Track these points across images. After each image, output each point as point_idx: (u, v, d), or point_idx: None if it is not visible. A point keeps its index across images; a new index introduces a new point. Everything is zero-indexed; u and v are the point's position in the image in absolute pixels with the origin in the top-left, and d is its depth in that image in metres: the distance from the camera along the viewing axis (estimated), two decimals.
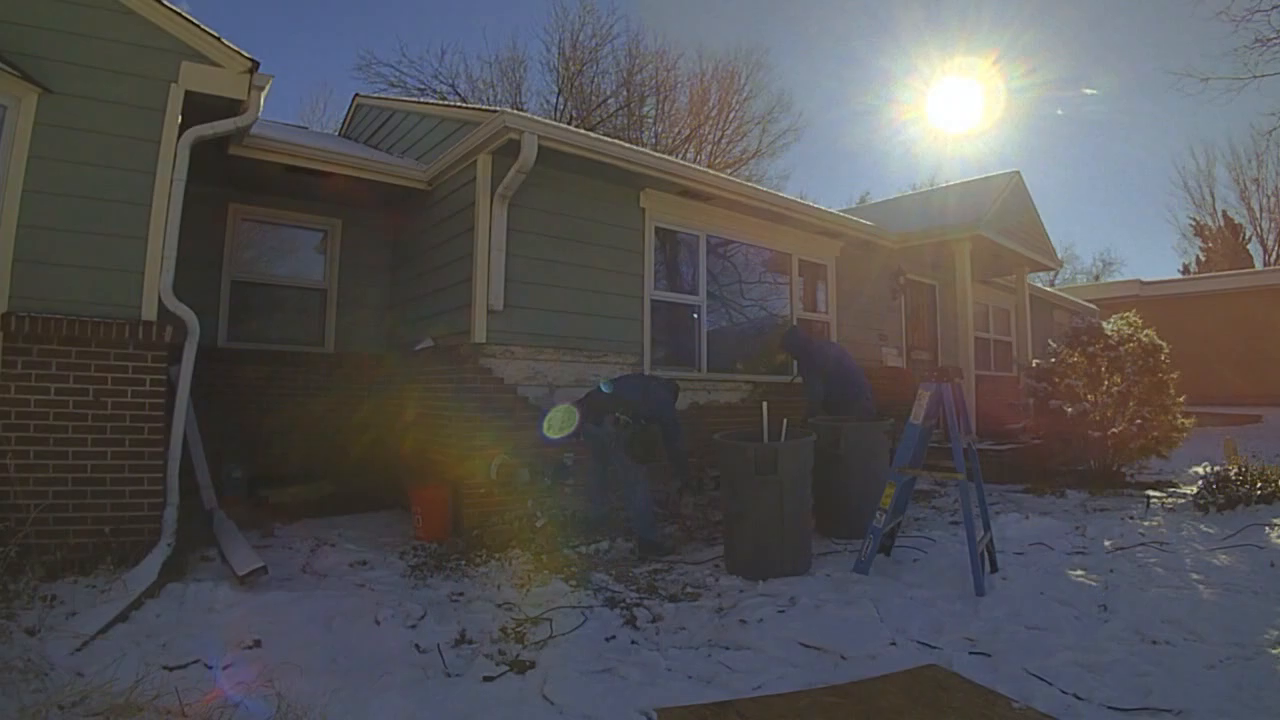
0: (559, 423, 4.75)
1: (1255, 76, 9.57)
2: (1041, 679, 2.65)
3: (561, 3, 31.55)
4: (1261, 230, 27.47)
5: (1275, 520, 4.79)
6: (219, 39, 4.19)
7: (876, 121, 33.54)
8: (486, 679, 2.65)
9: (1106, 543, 4.62)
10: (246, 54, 4.26)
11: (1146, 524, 5.11)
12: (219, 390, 5.67)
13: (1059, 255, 12.33)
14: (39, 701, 2.19)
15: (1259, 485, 5.28)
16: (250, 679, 2.53)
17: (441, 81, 20.76)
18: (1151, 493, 6.25)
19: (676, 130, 22.41)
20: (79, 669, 2.53)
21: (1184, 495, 6.09)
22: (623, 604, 3.55)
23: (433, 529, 4.83)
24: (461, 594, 3.71)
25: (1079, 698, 2.50)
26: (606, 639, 3.11)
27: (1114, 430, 6.51)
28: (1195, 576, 3.89)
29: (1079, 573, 4.01)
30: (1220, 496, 5.31)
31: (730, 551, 4.21)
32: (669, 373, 6.26)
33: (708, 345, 6.68)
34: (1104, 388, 6.52)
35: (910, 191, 21.81)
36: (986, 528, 4.08)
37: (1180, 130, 43.61)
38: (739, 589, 3.80)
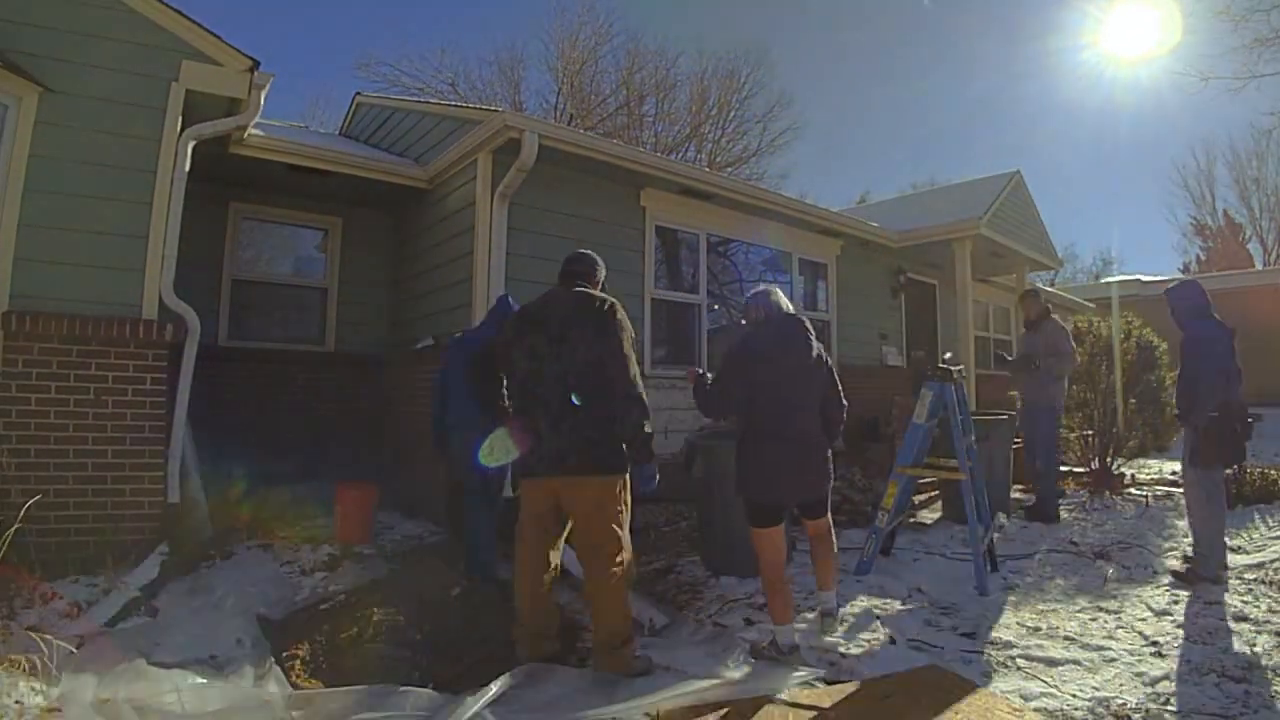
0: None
1: (1255, 76, 9.58)
2: (1042, 679, 2.66)
3: (561, 2, 31.59)
4: (1261, 230, 27.52)
5: (1273, 518, 4.80)
6: (219, 38, 4.19)
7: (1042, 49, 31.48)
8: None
9: (1108, 542, 4.63)
10: (247, 53, 4.26)
11: (1147, 523, 5.12)
12: (220, 389, 5.67)
13: (1059, 254, 12.32)
14: (39, 700, 2.19)
15: (1258, 484, 5.29)
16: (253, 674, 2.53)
17: (441, 80, 20.79)
18: (1151, 491, 6.26)
19: (677, 129, 22.40)
20: (80, 667, 2.53)
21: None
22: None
23: (349, 531, 4.57)
24: None
25: (1079, 698, 2.50)
26: None
27: (1114, 429, 6.51)
28: None
29: (1080, 573, 4.01)
30: None
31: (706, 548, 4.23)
32: (669, 372, 6.27)
33: (708, 344, 6.68)
34: (1103, 386, 6.52)
35: (910, 191, 21.81)
36: (987, 527, 4.08)
37: (1180, 129, 43.59)
38: (737, 588, 3.79)
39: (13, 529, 2.60)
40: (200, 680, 2.42)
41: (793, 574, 3.98)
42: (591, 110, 21.25)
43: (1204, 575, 3.73)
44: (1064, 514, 5.52)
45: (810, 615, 3.34)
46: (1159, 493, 6.21)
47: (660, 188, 6.21)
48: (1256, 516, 4.93)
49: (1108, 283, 18.87)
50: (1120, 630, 3.13)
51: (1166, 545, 4.56)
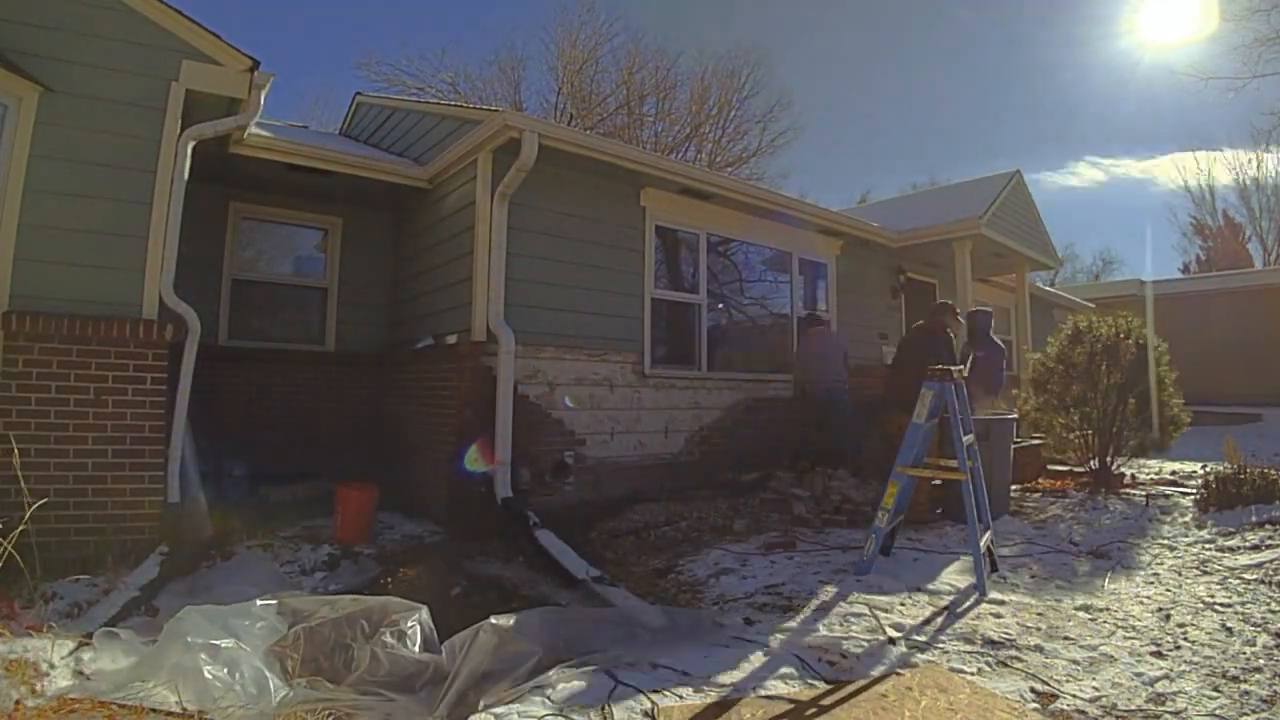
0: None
1: (1255, 76, 9.58)
2: (1041, 679, 2.66)
3: (561, 1, 31.61)
4: (1261, 230, 27.47)
5: (1273, 517, 4.80)
6: (219, 38, 4.20)
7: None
8: None
9: (1108, 542, 4.63)
10: (247, 53, 4.26)
11: (1147, 523, 5.12)
12: (220, 388, 5.68)
13: (1059, 254, 12.31)
14: (38, 701, 2.19)
15: (1258, 484, 5.28)
16: None
17: (441, 80, 20.77)
18: (1151, 491, 6.26)
19: (677, 129, 22.35)
20: (79, 668, 2.53)
21: (1184, 493, 6.10)
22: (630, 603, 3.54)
23: (349, 531, 4.59)
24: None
25: (1078, 698, 2.51)
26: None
27: (1114, 428, 6.51)
28: (1197, 574, 3.90)
29: (1080, 573, 4.01)
30: (1220, 495, 5.33)
31: None
32: (669, 372, 6.28)
33: (708, 344, 6.68)
34: (1103, 386, 6.51)
35: (911, 191, 21.81)
36: (987, 527, 4.08)
37: (1181, 128, 43.58)
38: (737, 588, 3.79)
39: (18, 530, 2.59)
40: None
41: (794, 573, 3.99)
42: (591, 110, 21.23)
43: None
44: (1064, 513, 5.53)
45: (806, 613, 3.34)
46: (1153, 492, 6.21)
47: (660, 187, 6.22)
48: (1255, 516, 4.93)
49: (1129, 281, 18.88)
50: (1120, 630, 3.13)
51: (1160, 544, 4.56)
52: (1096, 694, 2.53)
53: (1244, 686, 2.55)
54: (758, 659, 2.86)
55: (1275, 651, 2.84)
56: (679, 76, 22.38)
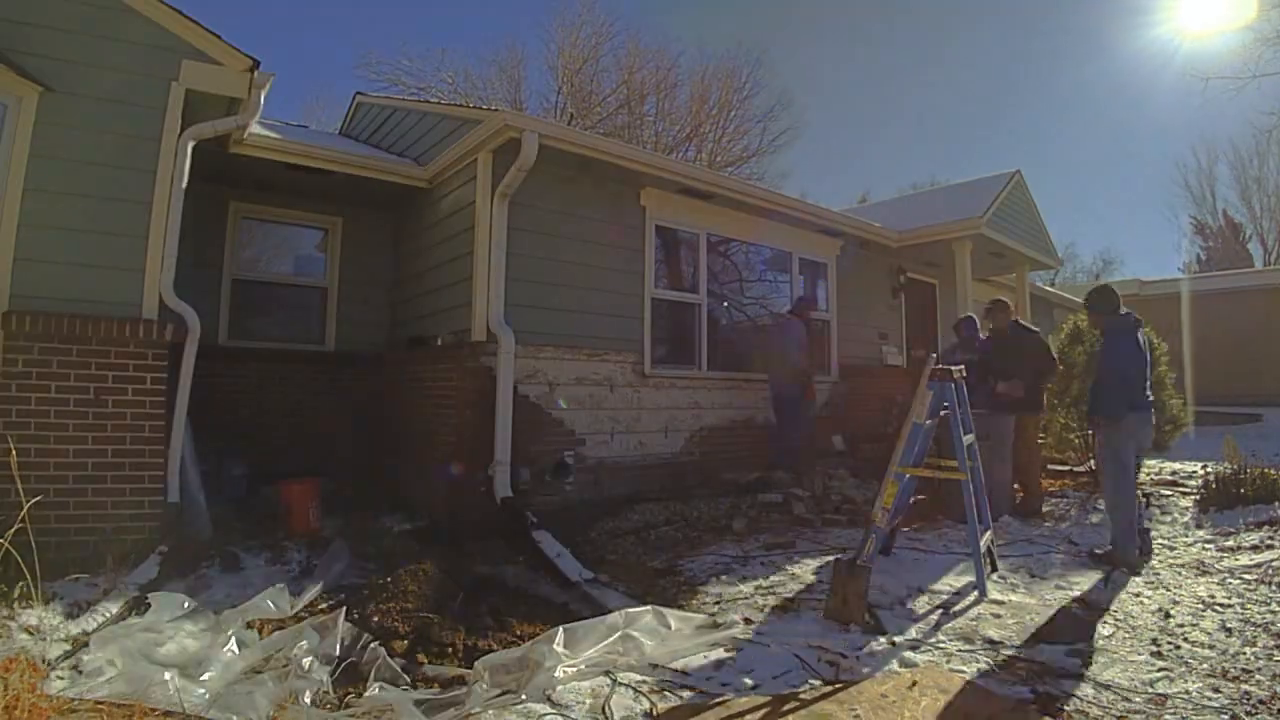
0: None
1: (1256, 76, 9.58)
2: (1042, 679, 2.66)
3: (561, 1, 31.64)
4: (1262, 229, 27.49)
5: (1273, 517, 4.80)
6: (219, 38, 4.19)
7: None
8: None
9: (1106, 542, 4.62)
10: (247, 53, 4.26)
11: (1147, 524, 5.11)
12: (220, 388, 5.68)
13: (1059, 254, 12.31)
14: (37, 701, 2.19)
15: (1257, 484, 5.29)
16: None
17: (441, 80, 20.78)
18: (1151, 491, 6.26)
19: (677, 129, 22.35)
20: (77, 667, 2.53)
21: (1184, 493, 6.10)
22: (627, 604, 3.54)
23: (297, 523, 4.73)
24: None
25: (1079, 698, 2.51)
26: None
27: None
28: (1197, 574, 3.90)
29: (1080, 573, 4.01)
30: (1220, 496, 5.33)
31: None
32: (670, 372, 6.27)
33: (708, 344, 6.68)
34: None
35: (910, 191, 21.82)
36: (988, 527, 4.08)
37: (1182, 128, 43.60)
38: (738, 587, 3.80)
39: (13, 529, 2.59)
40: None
41: (794, 573, 3.99)
42: (592, 109, 21.23)
43: (1123, 561, 4.10)
44: (1064, 513, 5.53)
45: (806, 613, 3.34)
46: (1153, 492, 6.21)
47: (660, 187, 6.21)
48: (1255, 517, 4.93)
49: (1129, 281, 18.85)
50: (1120, 631, 3.13)
51: (1160, 544, 4.57)
52: (1097, 693, 2.53)
53: (1244, 687, 2.55)
54: (757, 659, 2.86)
55: (1275, 652, 2.84)
56: (679, 76, 22.42)
